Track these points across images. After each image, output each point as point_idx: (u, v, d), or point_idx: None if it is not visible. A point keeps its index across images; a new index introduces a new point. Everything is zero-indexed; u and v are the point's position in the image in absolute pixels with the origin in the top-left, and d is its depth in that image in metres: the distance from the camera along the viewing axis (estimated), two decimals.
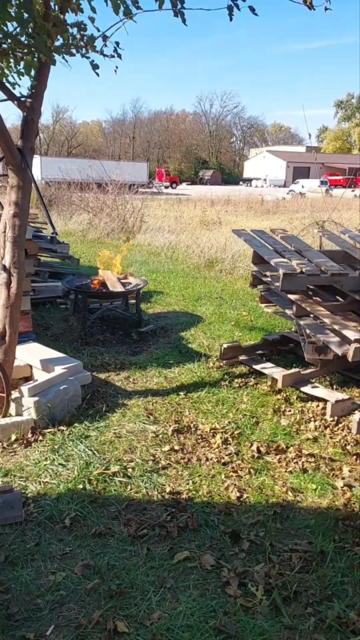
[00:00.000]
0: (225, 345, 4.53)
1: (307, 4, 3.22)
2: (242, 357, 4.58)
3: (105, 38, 3.49)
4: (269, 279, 4.48)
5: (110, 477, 2.92)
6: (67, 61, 3.34)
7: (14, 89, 3.35)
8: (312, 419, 3.70)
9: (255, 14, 3.20)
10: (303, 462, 3.17)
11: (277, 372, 4.16)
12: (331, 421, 3.66)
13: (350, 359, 3.55)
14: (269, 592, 2.16)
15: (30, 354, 3.97)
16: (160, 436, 3.43)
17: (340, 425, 3.62)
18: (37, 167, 31.62)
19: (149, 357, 4.89)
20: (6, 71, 3.28)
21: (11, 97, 3.23)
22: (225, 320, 6.02)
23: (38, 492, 2.79)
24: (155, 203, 19.91)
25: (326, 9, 3.31)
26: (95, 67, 3.49)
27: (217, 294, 7.30)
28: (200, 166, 68.72)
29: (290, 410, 3.86)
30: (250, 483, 2.94)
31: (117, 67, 3.73)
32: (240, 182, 61.09)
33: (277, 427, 3.61)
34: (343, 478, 3.01)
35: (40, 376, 3.75)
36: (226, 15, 3.21)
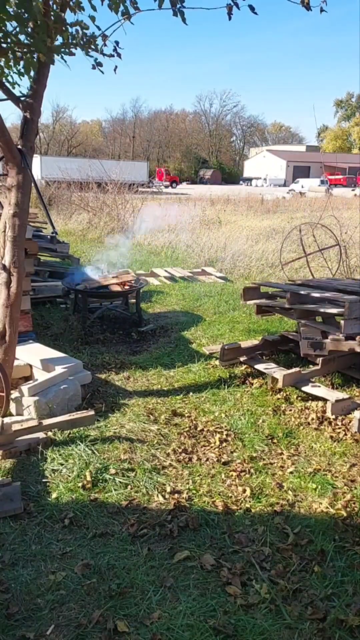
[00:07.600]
0: (225, 347, 4.52)
1: (304, 4, 3.22)
2: (242, 358, 4.57)
3: (105, 37, 3.48)
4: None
5: (111, 477, 2.92)
6: (65, 61, 3.33)
7: (14, 88, 3.35)
8: (313, 418, 3.70)
9: (255, 13, 3.20)
10: (303, 461, 3.17)
11: (277, 372, 4.15)
12: (331, 420, 3.66)
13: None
14: (268, 591, 2.16)
15: (30, 354, 3.97)
16: (160, 435, 3.43)
17: (340, 425, 3.62)
18: (37, 166, 31.55)
19: (149, 356, 4.89)
20: (6, 70, 3.28)
21: (11, 96, 3.23)
22: (225, 320, 6.02)
23: (38, 491, 2.79)
24: (155, 202, 19.88)
25: (322, 10, 3.32)
26: (98, 64, 3.49)
27: (217, 293, 7.29)
28: (200, 165, 68.63)
29: (290, 410, 3.86)
30: (250, 482, 2.94)
31: (116, 66, 3.73)
32: (241, 182, 61.01)
33: (277, 426, 3.61)
34: (343, 478, 3.01)
35: (41, 376, 3.75)
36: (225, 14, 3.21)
